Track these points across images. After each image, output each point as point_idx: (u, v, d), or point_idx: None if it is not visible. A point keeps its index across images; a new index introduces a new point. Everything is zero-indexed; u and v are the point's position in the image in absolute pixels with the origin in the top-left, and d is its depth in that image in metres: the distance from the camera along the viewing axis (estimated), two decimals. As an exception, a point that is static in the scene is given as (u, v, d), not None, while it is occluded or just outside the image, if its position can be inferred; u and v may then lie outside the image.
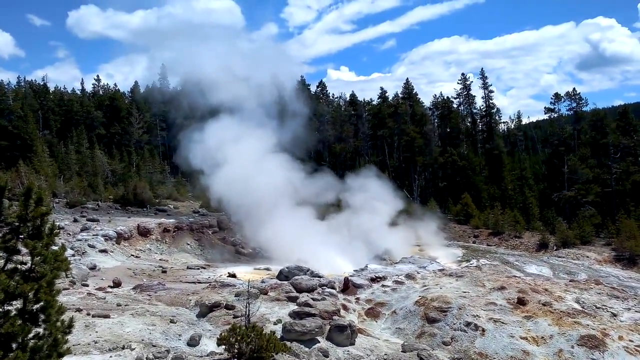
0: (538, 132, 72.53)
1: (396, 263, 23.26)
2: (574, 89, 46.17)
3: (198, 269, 23.90)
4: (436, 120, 60.39)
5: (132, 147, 53.76)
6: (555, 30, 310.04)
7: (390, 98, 59.15)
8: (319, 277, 18.37)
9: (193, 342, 11.91)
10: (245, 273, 22.25)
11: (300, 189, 28.49)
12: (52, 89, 65.41)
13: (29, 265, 6.26)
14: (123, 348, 10.84)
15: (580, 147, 43.33)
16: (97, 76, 69.31)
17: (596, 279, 20.09)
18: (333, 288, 17.15)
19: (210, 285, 17.38)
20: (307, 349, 11.86)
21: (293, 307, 14.27)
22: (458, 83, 57.36)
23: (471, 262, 24.70)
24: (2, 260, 6.24)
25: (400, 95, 58.17)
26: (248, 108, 30.60)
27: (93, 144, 49.39)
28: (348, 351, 12.15)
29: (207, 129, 29.65)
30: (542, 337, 12.80)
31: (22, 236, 6.26)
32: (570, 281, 18.96)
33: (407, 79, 60.12)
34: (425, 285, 17.41)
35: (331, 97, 69.61)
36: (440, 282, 17.74)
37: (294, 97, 35.24)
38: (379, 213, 29.39)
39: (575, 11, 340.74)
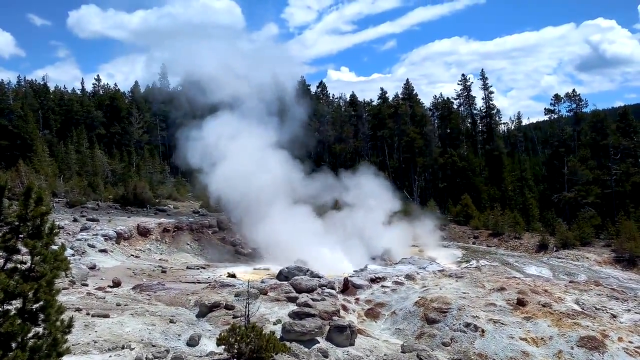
0: (538, 133, 72.62)
1: (396, 264, 23.25)
2: (574, 90, 46.25)
3: (198, 269, 23.89)
4: (436, 121, 60.43)
5: (132, 147, 53.80)
6: (556, 31, 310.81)
7: (390, 99, 59.20)
8: (319, 277, 18.35)
9: (192, 342, 11.90)
10: (245, 273, 22.24)
11: (299, 188, 28.49)
12: (52, 88, 65.52)
13: (28, 264, 6.26)
14: (122, 348, 10.84)
15: (580, 149, 43.36)
16: (98, 76, 69.43)
17: (596, 280, 20.07)
18: (333, 288, 17.13)
19: (209, 285, 17.37)
20: (306, 350, 11.85)
21: (293, 307, 14.26)
22: (458, 84, 57.47)
23: (471, 263, 24.67)
24: (2, 260, 6.24)
25: (400, 96, 58.19)
26: (248, 106, 30.58)
27: (93, 144, 49.42)
28: (348, 352, 12.14)
29: (206, 125, 29.64)
30: (542, 338, 12.79)
31: (22, 236, 6.26)
32: (570, 282, 18.95)
33: (408, 79, 60.33)
34: (425, 286, 17.40)
35: (331, 98, 69.77)
36: (440, 282, 17.74)
37: (294, 97, 35.24)
38: (375, 212, 29.40)
39: (575, 12, 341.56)
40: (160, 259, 26.06)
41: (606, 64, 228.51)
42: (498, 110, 57.82)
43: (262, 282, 17.85)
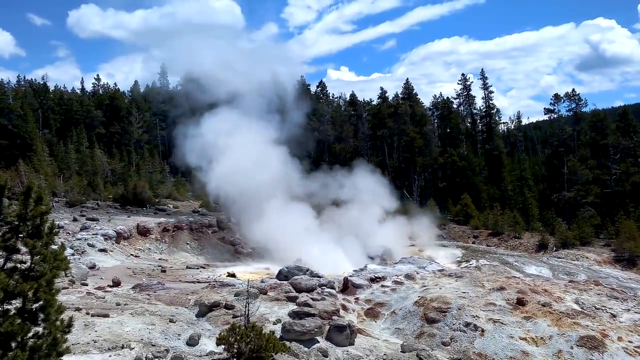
0: (538, 133, 72.64)
1: (395, 263, 23.25)
2: (574, 89, 46.23)
3: (197, 268, 23.88)
4: (436, 121, 60.42)
5: (131, 147, 53.79)
6: (556, 31, 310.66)
7: (390, 98, 59.15)
8: (319, 277, 18.35)
9: (192, 342, 11.90)
10: (245, 273, 22.23)
11: (297, 186, 28.50)
12: (52, 88, 65.49)
13: (28, 264, 6.26)
14: (122, 347, 10.84)
15: (580, 148, 43.36)
16: (97, 75, 69.40)
17: (595, 279, 20.08)
18: (332, 288, 17.14)
19: (209, 284, 17.37)
20: (306, 349, 11.85)
21: (292, 307, 14.27)
22: (458, 83, 57.48)
23: (471, 263, 24.70)
24: (2, 259, 6.24)
25: (400, 96, 58.17)
26: (247, 103, 30.57)
27: (93, 143, 49.41)
28: (347, 351, 12.14)
29: (204, 122, 29.65)
30: (542, 338, 12.80)
31: (21, 235, 6.27)
32: (569, 282, 18.96)
33: (407, 79, 60.24)
34: (425, 286, 17.41)
35: (331, 97, 69.71)
36: (440, 282, 17.74)
37: (293, 96, 35.24)
38: (372, 209, 29.41)
39: (575, 12, 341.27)
40: (160, 259, 26.06)
41: (606, 64, 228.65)
42: (498, 110, 57.92)
43: (262, 281, 17.84)
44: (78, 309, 12.92)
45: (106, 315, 12.73)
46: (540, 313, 14.02)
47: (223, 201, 29.44)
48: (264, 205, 26.56)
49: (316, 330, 12.34)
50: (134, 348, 10.88)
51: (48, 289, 6.26)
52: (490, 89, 55.71)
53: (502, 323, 13.54)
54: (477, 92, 57.12)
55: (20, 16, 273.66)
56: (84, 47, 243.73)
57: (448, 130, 56.99)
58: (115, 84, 77.78)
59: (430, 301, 15.11)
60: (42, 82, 66.16)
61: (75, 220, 28.42)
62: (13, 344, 5.96)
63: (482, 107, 56.31)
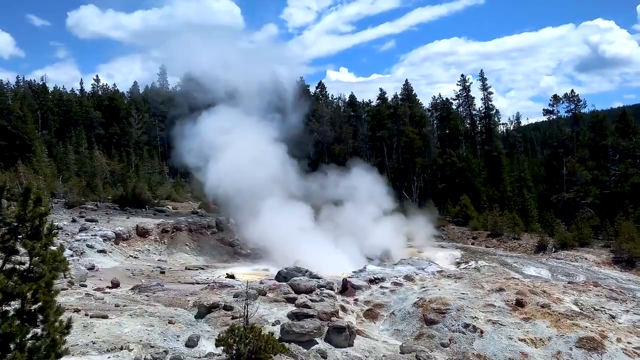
0: (537, 134, 72.86)
1: (395, 264, 23.23)
2: (573, 90, 46.32)
3: (197, 269, 23.86)
4: (435, 122, 60.44)
5: (131, 148, 53.82)
6: (555, 32, 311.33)
7: (389, 99, 59.19)
8: (318, 278, 18.35)
9: (191, 343, 11.89)
10: (244, 274, 22.21)
11: (294, 185, 28.50)
12: (51, 89, 65.50)
13: (27, 265, 6.25)
14: (121, 349, 10.83)
15: (579, 149, 43.41)
16: (97, 76, 69.39)
17: (595, 281, 20.09)
18: (331, 289, 17.14)
19: (208, 286, 17.36)
20: (305, 350, 11.85)
21: (291, 308, 14.26)
22: (457, 84, 57.45)
23: (470, 264, 24.70)
24: (1, 261, 6.23)
25: (399, 97, 58.21)
26: (246, 101, 30.59)
27: (92, 144, 49.43)
28: (346, 352, 12.14)
29: (202, 120, 29.67)
30: (541, 339, 12.80)
31: (20, 236, 6.25)
32: (568, 283, 18.97)
33: (407, 80, 60.13)
34: (424, 287, 17.41)
35: (330, 98, 69.72)
36: (439, 283, 17.75)
37: (292, 96, 35.27)
38: (368, 208, 29.39)
39: (574, 13, 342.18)
40: (159, 260, 26.03)
41: (605, 65, 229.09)
42: (497, 111, 57.97)
43: (261, 282, 17.85)
44: (77, 310, 12.90)
45: (105, 317, 12.71)
46: (539, 314, 14.03)
47: (221, 200, 29.40)
48: (261, 204, 26.54)
49: (315, 331, 12.33)
50: (132, 349, 10.87)
51: (47, 290, 6.25)
52: (490, 90, 55.71)
53: (501, 324, 13.55)
54: (477, 93, 57.22)
55: (19, 17, 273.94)
56: (83, 48, 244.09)
57: (447, 131, 57.02)
58: (114, 84, 78.06)
59: (429, 302, 15.11)
60: (41, 83, 66.30)
61: (74, 221, 28.39)
62: (12, 346, 5.95)
63: (481, 108, 56.35)
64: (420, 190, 48.60)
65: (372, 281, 18.32)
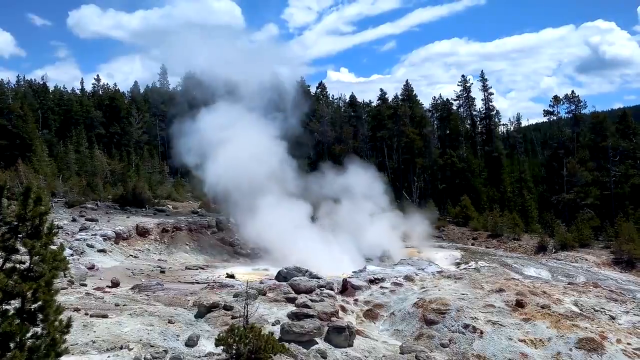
0: (537, 135, 72.86)
1: (395, 265, 23.23)
2: (573, 91, 46.33)
3: (197, 269, 23.87)
4: (435, 122, 60.43)
5: (131, 147, 53.82)
6: (555, 33, 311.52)
7: (389, 100, 59.17)
8: (318, 278, 18.36)
9: (191, 343, 11.89)
10: (244, 274, 22.21)
11: (292, 183, 28.52)
12: (51, 88, 65.54)
13: (27, 264, 6.26)
14: (121, 348, 10.83)
15: (580, 150, 43.42)
16: (97, 76, 69.36)
17: (594, 281, 20.09)
18: (331, 289, 17.15)
19: (208, 285, 17.36)
20: (305, 350, 11.85)
21: (291, 308, 14.27)
22: (458, 85, 57.42)
23: (470, 264, 24.69)
24: (1, 260, 6.24)
25: (399, 97, 58.21)
26: (247, 100, 30.62)
27: (92, 144, 49.43)
28: (346, 352, 12.14)
29: (201, 117, 29.70)
30: (540, 340, 12.81)
31: (20, 235, 6.26)
32: (568, 284, 18.97)
33: (407, 80, 60.19)
34: (424, 287, 17.41)
35: (331, 99, 69.72)
36: (439, 284, 17.74)
37: (293, 97, 35.29)
38: (365, 208, 29.40)
39: (575, 14, 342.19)
40: (159, 259, 26.03)
41: (605, 66, 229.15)
42: (497, 112, 58.02)
43: (261, 282, 17.85)
44: (77, 310, 12.91)
45: (105, 316, 12.72)
46: (539, 315, 14.02)
47: (221, 198, 29.41)
48: (259, 201, 26.56)
49: (315, 331, 12.33)
50: (132, 349, 10.88)
51: (47, 290, 6.26)
52: (490, 90, 55.72)
53: (501, 325, 13.55)
54: (477, 94, 57.21)
55: (20, 16, 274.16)
56: (84, 47, 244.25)
57: (448, 132, 56.99)
58: (115, 84, 77.81)
59: (429, 303, 15.11)
60: (41, 83, 66.31)
61: (74, 220, 28.40)
62: (12, 345, 5.96)
63: (481, 109, 56.35)
64: (421, 191, 48.60)
65: (372, 281, 18.33)
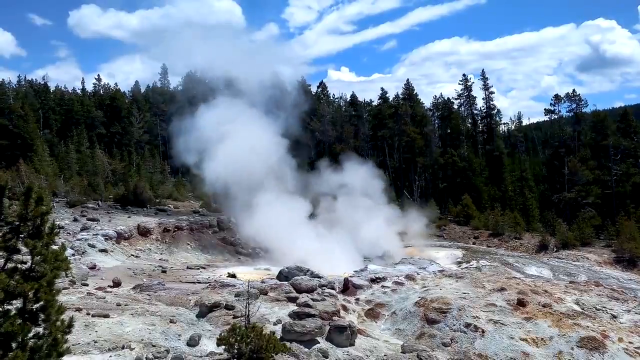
0: (538, 134, 72.77)
1: (396, 264, 23.23)
2: (574, 90, 46.31)
3: (198, 269, 23.88)
4: (436, 121, 60.41)
5: (132, 147, 53.87)
6: (556, 31, 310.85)
7: (390, 99, 59.14)
8: (319, 277, 18.35)
9: (193, 342, 11.89)
10: (245, 273, 22.22)
11: (290, 180, 28.55)
12: (52, 88, 65.60)
13: (29, 264, 6.26)
14: (123, 348, 10.84)
15: (581, 149, 43.40)
16: (98, 76, 69.20)
17: (596, 280, 20.07)
18: (333, 289, 17.13)
19: (210, 285, 17.36)
20: (306, 350, 11.85)
21: (293, 307, 14.27)
22: (459, 84, 57.40)
23: (471, 263, 24.70)
24: (3, 260, 6.24)
25: (400, 96, 58.17)
26: (247, 98, 30.65)
27: (93, 144, 49.46)
28: (348, 352, 12.14)
29: (201, 113, 29.71)
30: (542, 339, 12.80)
31: (22, 235, 6.26)
32: (570, 283, 18.94)
33: (408, 79, 60.23)
34: (425, 286, 17.40)
35: (332, 98, 69.70)
36: (440, 283, 17.73)
37: (294, 96, 35.33)
38: (362, 205, 29.39)
39: (575, 13, 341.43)
40: (160, 259, 26.05)
41: (606, 65, 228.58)
42: (498, 111, 57.94)
43: (263, 282, 17.84)
44: (78, 310, 12.92)
45: (107, 316, 12.73)
46: (540, 314, 14.01)
47: (221, 194, 29.44)
48: (259, 198, 26.61)
49: (316, 330, 12.33)
50: (134, 348, 10.88)
51: (49, 290, 6.26)
52: (491, 89, 55.71)
53: (502, 324, 13.54)
54: (478, 93, 57.18)
55: (21, 16, 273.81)
56: (85, 47, 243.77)
57: (449, 131, 56.96)
58: (116, 84, 77.95)
59: (430, 302, 15.11)
60: (42, 82, 66.39)
61: (75, 220, 28.42)
62: (13, 345, 5.96)
63: (482, 108, 56.31)
64: (422, 190, 48.61)
65: (374, 280, 18.31)
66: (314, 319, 12.89)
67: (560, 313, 14.04)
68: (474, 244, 33.95)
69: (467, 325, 13.59)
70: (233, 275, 20.62)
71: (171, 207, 38.85)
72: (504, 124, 71.86)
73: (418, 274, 19.32)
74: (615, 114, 49.17)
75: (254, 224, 26.31)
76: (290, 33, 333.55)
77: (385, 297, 16.79)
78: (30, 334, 6.14)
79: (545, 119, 61.14)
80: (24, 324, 6.06)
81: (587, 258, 28.66)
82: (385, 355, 12.22)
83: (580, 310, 14.53)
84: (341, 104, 68.95)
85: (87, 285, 17.20)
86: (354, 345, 12.47)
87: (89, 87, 68.53)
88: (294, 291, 16.24)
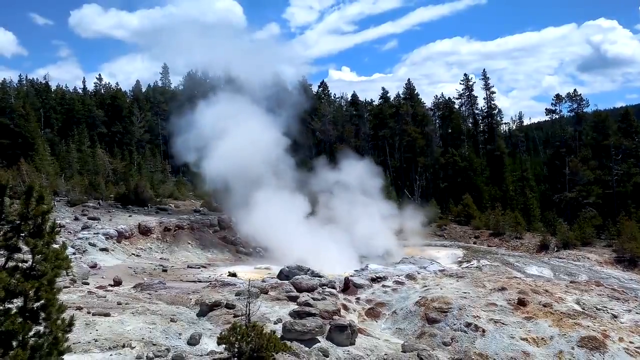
0: (539, 134, 72.71)
1: (397, 263, 23.24)
2: (575, 90, 46.29)
3: (199, 268, 23.91)
4: (437, 121, 60.36)
5: (133, 146, 53.88)
6: (557, 31, 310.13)
7: (391, 98, 59.16)
8: (320, 276, 18.36)
9: (193, 341, 11.91)
10: (246, 272, 22.24)
11: (291, 176, 28.59)
12: (53, 87, 65.60)
13: (29, 263, 6.27)
14: (123, 347, 10.85)
15: (582, 149, 43.38)
16: (99, 75, 69.45)
17: (597, 280, 20.06)
18: (333, 288, 17.14)
19: (210, 284, 17.38)
20: (307, 349, 11.86)
21: (293, 306, 14.27)
22: (460, 83, 57.33)
23: (472, 263, 24.69)
24: (3, 258, 6.25)
25: (401, 96, 58.17)
26: (247, 92, 30.70)
27: (94, 143, 49.49)
28: (348, 351, 12.14)
29: (200, 109, 29.72)
30: (543, 338, 12.79)
31: (23, 234, 6.27)
32: (570, 282, 18.94)
33: (409, 79, 60.08)
34: (426, 286, 17.40)
35: (333, 97, 69.65)
36: (441, 282, 17.73)
37: (294, 95, 35.37)
38: (360, 202, 29.42)
39: (576, 13, 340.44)
40: (161, 258, 26.08)
41: (607, 65, 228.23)
42: (499, 110, 57.81)
43: (263, 281, 17.86)
44: (79, 308, 12.93)
45: (107, 315, 12.74)
46: (541, 313, 14.01)
47: (221, 191, 29.47)
48: (258, 195, 26.63)
49: (317, 329, 12.34)
50: (135, 347, 10.90)
51: (49, 288, 6.27)
52: (492, 89, 55.63)
53: (503, 323, 13.53)
54: (479, 93, 57.10)
55: (22, 16, 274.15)
56: (86, 46, 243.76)
57: (449, 131, 56.88)
58: (117, 83, 78.16)
59: (431, 301, 15.11)
60: (44, 82, 66.30)
61: (76, 219, 28.44)
62: (14, 343, 5.97)
63: (483, 108, 56.24)
64: (423, 190, 48.57)
65: (374, 280, 18.32)
66: (314, 318, 12.90)
67: (561, 313, 14.04)
68: (474, 243, 33.95)
69: (468, 324, 13.59)
70: (234, 274, 20.64)
71: (172, 206, 38.87)
72: (505, 123, 71.83)
73: (419, 273, 19.32)
74: (617, 114, 49.13)
75: (253, 222, 26.33)
76: (292, 33, 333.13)
77: (386, 296, 16.79)
78: (31, 333, 6.15)
79: (547, 119, 61.20)
80: (25, 322, 6.07)
81: (588, 258, 28.65)
82: (385, 354, 12.23)
83: (581, 310, 14.52)
84: (342, 103, 68.89)
85: (87, 284, 17.23)
86: (354, 344, 12.48)
87: (90, 87, 68.64)
88: (295, 290, 16.24)
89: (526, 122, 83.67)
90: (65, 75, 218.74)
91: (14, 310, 6.07)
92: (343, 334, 12.41)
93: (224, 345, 10.45)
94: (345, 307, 15.60)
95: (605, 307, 14.98)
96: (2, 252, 6.23)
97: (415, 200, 43.81)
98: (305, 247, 23.81)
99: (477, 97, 56.67)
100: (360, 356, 12.04)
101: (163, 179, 47.48)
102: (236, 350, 10.16)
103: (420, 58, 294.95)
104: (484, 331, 13.24)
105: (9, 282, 5.92)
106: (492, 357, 12.36)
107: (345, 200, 29.39)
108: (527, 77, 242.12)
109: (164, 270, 22.06)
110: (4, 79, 57.84)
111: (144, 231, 28.31)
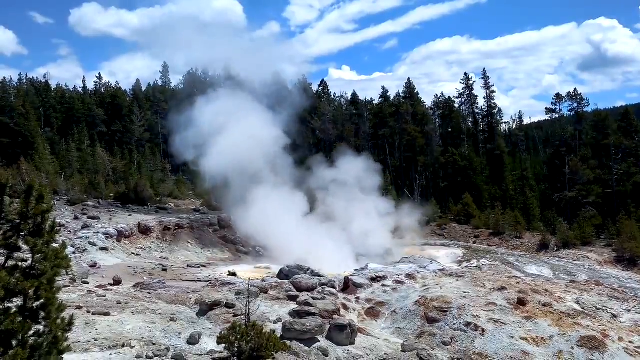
0: (539, 133, 72.70)
1: (396, 263, 23.23)
2: (576, 89, 46.24)
3: (198, 267, 23.90)
4: (437, 120, 60.32)
5: (133, 145, 53.91)
6: (557, 30, 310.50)
7: (391, 97, 59.11)
8: (319, 276, 18.37)
9: (193, 341, 11.91)
10: (246, 272, 22.25)
11: (289, 173, 28.62)
12: (53, 86, 65.65)
13: (29, 262, 6.27)
14: (123, 346, 10.86)
15: (582, 148, 43.35)
16: (99, 74, 69.44)
17: (596, 280, 20.06)
18: (333, 287, 17.15)
19: (210, 283, 17.39)
20: (307, 348, 11.86)
21: (293, 306, 14.28)
22: (461, 82, 57.29)
23: (471, 262, 24.69)
24: (3, 258, 6.25)
25: (401, 95, 58.13)
26: (247, 89, 30.73)
27: (94, 142, 49.52)
28: (348, 350, 12.15)
29: (199, 105, 29.74)
30: (542, 338, 12.80)
31: (23, 233, 6.26)
32: (570, 282, 18.95)
33: (409, 78, 60.02)
34: (426, 285, 17.40)
35: (333, 97, 69.61)
36: (441, 282, 17.73)
37: (294, 94, 35.37)
38: (358, 199, 29.42)
39: (577, 12, 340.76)
40: (161, 257, 26.06)
41: (608, 64, 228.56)
42: (499, 110, 57.78)
43: (263, 280, 17.86)
44: (79, 308, 12.93)
45: (107, 314, 12.74)
46: (541, 313, 14.01)
47: (220, 187, 29.48)
48: (257, 192, 26.65)
49: (317, 329, 12.34)
50: (134, 346, 10.90)
51: (49, 287, 6.27)
52: (492, 88, 55.58)
53: (502, 323, 13.54)
54: (479, 92, 57.07)
55: (22, 14, 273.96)
56: (86, 45, 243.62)
57: (449, 130, 56.85)
58: (117, 82, 77.99)
59: (431, 301, 15.11)
60: (44, 81, 66.46)
61: (76, 218, 28.43)
62: (14, 342, 5.97)
63: (483, 107, 56.21)
64: (423, 189, 48.54)
65: (374, 279, 18.32)
66: (314, 317, 12.91)
67: (561, 312, 14.04)
68: (474, 243, 33.93)
69: (468, 324, 13.59)
70: (233, 274, 20.64)
71: (172, 205, 38.87)
72: (505, 123, 71.77)
73: (418, 272, 19.32)
74: (617, 113, 49.07)
75: (253, 220, 26.34)
76: (292, 32, 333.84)
77: (386, 295, 16.80)
78: (31, 332, 6.15)
79: (547, 118, 61.13)
80: (25, 321, 6.06)
81: (588, 257, 28.65)
82: (385, 354, 12.23)
83: (581, 310, 14.53)
84: (342, 102, 68.86)
85: (87, 283, 17.22)
86: (354, 343, 12.48)
87: (90, 86, 68.68)
88: (295, 290, 16.25)
89: (526, 121, 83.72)
90: (65, 74, 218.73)
91: (14, 310, 6.06)
92: (343, 333, 12.42)
93: (223, 345, 10.46)
94: (345, 307, 15.61)
95: (604, 306, 14.98)
96: (1, 251, 6.22)
97: (415, 200, 43.80)
98: (304, 246, 23.81)
99: (477, 96, 56.70)
100: (359, 356, 12.05)
101: (163, 178, 47.50)
102: (236, 349, 10.16)
103: (421, 57, 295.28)
104: (483, 331, 13.25)
105: (8, 281, 5.91)
106: (491, 356, 12.36)
107: (342, 197, 29.38)
108: (527, 76, 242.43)
109: (164, 270, 22.06)
110: (4, 77, 58.14)
111: (144, 230, 28.29)
